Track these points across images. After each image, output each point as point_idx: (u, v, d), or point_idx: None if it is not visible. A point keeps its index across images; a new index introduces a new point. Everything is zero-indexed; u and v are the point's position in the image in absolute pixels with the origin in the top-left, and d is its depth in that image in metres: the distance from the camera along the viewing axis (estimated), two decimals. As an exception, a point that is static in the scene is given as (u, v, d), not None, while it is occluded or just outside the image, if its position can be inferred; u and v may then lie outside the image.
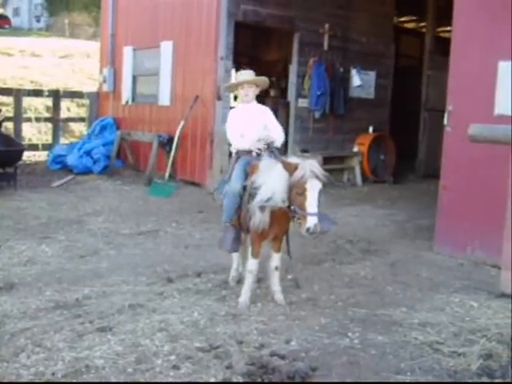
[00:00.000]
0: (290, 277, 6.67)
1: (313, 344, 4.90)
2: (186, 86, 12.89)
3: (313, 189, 5.03)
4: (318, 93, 13.65)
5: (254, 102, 6.21)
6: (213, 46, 12.16)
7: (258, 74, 6.36)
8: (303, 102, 13.81)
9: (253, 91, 6.12)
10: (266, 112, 6.21)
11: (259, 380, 4.19)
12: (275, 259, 5.80)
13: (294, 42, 13.70)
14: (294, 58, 13.73)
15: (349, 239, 8.62)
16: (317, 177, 5.02)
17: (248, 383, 4.12)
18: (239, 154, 6.00)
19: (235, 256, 6.21)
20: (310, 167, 5.03)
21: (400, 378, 4.36)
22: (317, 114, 13.92)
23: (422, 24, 19.15)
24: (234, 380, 4.18)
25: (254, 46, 17.15)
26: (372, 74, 15.42)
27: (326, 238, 8.60)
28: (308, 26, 13.67)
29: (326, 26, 13.90)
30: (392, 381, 4.32)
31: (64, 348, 4.63)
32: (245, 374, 4.27)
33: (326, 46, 14.02)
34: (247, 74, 6.20)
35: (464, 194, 7.77)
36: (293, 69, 13.85)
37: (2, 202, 10.19)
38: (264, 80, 6.29)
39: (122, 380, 4.13)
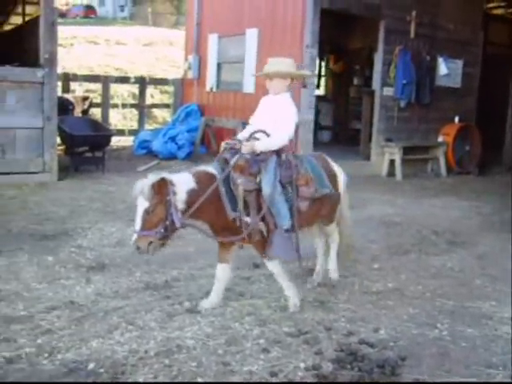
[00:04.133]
0: (376, 266, 6.63)
1: (401, 334, 4.87)
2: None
3: (139, 205, 4.65)
4: (404, 81, 13.45)
5: (283, 94, 5.30)
6: (298, 34, 12.13)
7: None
8: (388, 91, 13.62)
9: (280, 83, 5.28)
10: (283, 107, 5.25)
11: (349, 367, 4.20)
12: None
13: (380, 29, 13.49)
14: (380, 46, 13.54)
15: (434, 230, 8.47)
16: (143, 194, 4.61)
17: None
18: None
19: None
20: (143, 183, 4.63)
21: (492, 373, 4.28)
22: (402, 103, 13.74)
23: (512, 10, 18.53)
24: (324, 366, 4.19)
25: (337, 33, 17.01)
26: (459, 63, 15.05)
27: (411, 228, 8.51)
28: (394, 14, 13.44)
29: (413, 13, 13.64)
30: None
31: (155, 327, 4.76)
32: (334, 360, 4.29)
33: (412, 34, 13.76)
34: (278, 63, 5.39)
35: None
36: (378, 57, 13.67)
37: (91, 184, 10.51)
38: (289, 73, 5.34)
39: (213, 360, 4.21)
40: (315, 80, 13.59)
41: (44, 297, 5.32)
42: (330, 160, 5.76)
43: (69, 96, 14.97)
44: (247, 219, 4.93)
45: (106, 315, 4.97)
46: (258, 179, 4.98)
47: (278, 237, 5.02)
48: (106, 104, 16.38)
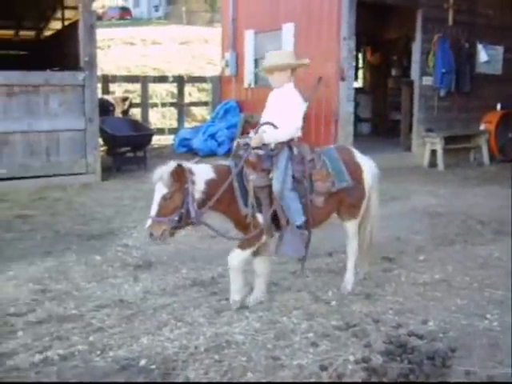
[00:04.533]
0: (421, 257, 6.59)
1: (450, 325, 4.83)
2: (309, 67, 12.85)
3: (157, 191, 4.69)
4: (443, 70, 13.30)
5: (286, 86, 5.26)
6: (335, 27, 12.09)
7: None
8: (427, 80, 13.49)
9: (280, 76, 5.24)
10: (287, 98, 5.23)
11: (398, 359, 4.18)
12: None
13: (417, 18, 13.36)
14: (418, 36, 13.41)
15: (479, 220, 8.36)
16: (162, 180, 4.64)
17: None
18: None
19: None
20: (162, 170, 4.67)
21: (544, 363, 4.22)
22: (442, 92, 13.60)
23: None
24: (373, 358, 4.19)
25: (374, 24, 16.88)
26: (499, 49, 14.81)
27: (455, 218, 8.42)
28: (431, 1, 13.29)
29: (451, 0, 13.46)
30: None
31: (204, 323, 4.81)
32: (383, 352, 4.28)
33: (450, 21, 13.59)
34: (275, 56, 5.40)
35: None
36: (416, 46, 13.55)
37: (134, 184, 10.63)
38: (286, 64, 5.25)
39: (262, 355, 4.24)
40: (353, 72, 13.45)
41: (93, 295, 5.43)
42: (356, 153, 5.56)
43: (109, 97, 15.17)
44: (259, 216, 4.95)
45: (155, 312, 5.05)
46: (270, 175, 4.98)
47: (289, 234, 5.01)
48: (145, 104, 16.55)
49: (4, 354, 4.25)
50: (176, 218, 4.69)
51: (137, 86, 17.86)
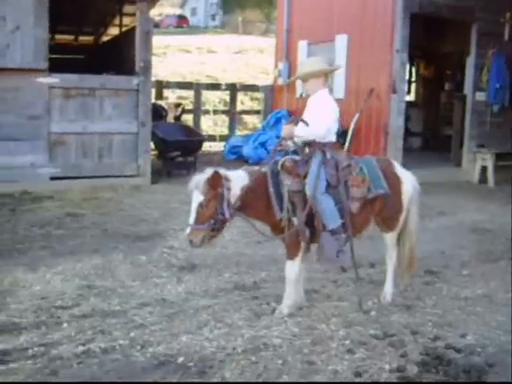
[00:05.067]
0: (465, 272, 6.55)
1: (489, 340, 4.80)
2: (361, 79, 12.88)
3: (194, 199, 4.78)
4: (497, 86, 13.15)
5: (319, 92, 5.37)
6: (388, 39, 12.08)
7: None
8: (481, 96, 13.34)
9: (314, 82, 5.37)
10: (320, 102, 5.33)
11: (434, 370, 4.19)
12: None
13: (472, 33, 13.25)
14: (472, 50, 13.29)
15: (527, 237, 8.24)
16: (198, 189, 4.74)
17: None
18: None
19: None
20: (198, 178, 4.78)
21: None
22: (495, 108, 13.41)
23: None
24: (408, 368, 4.20)
25: (427, 38, 16.74)
26: (557, 65, 14.52)
27: (502, 235, 8.30)
28: (487, 16, 13.12)
29: (508, 14, 13.28)
30: None
31: (243, 326, 4.90)
32: (419, 363, 4.29)
33: (506, 36, 13.40)
34: (306, 65, 5.61)
35: None
36: (470, 61, 13.42)
37: (183, 188, 10.48)
38: (320, 70, 5.40)
39: (298, 359, 4.30)
40: (405, 86, 13.40)
41: (137, 294, 5.58)
42: (396, 165, 5.60)
43: (162, 103, 15.39)
44: (294, 220, 5.01)
45: (196, 313, 5.16)
46: (305, 180, 5.07)
47: (325, 239, 5.05)
48: (197, 110, 16.74)
49: (49, 343, 4.43)
50: (213, 224, 4.81)
51: (190, 93, 18.10)
